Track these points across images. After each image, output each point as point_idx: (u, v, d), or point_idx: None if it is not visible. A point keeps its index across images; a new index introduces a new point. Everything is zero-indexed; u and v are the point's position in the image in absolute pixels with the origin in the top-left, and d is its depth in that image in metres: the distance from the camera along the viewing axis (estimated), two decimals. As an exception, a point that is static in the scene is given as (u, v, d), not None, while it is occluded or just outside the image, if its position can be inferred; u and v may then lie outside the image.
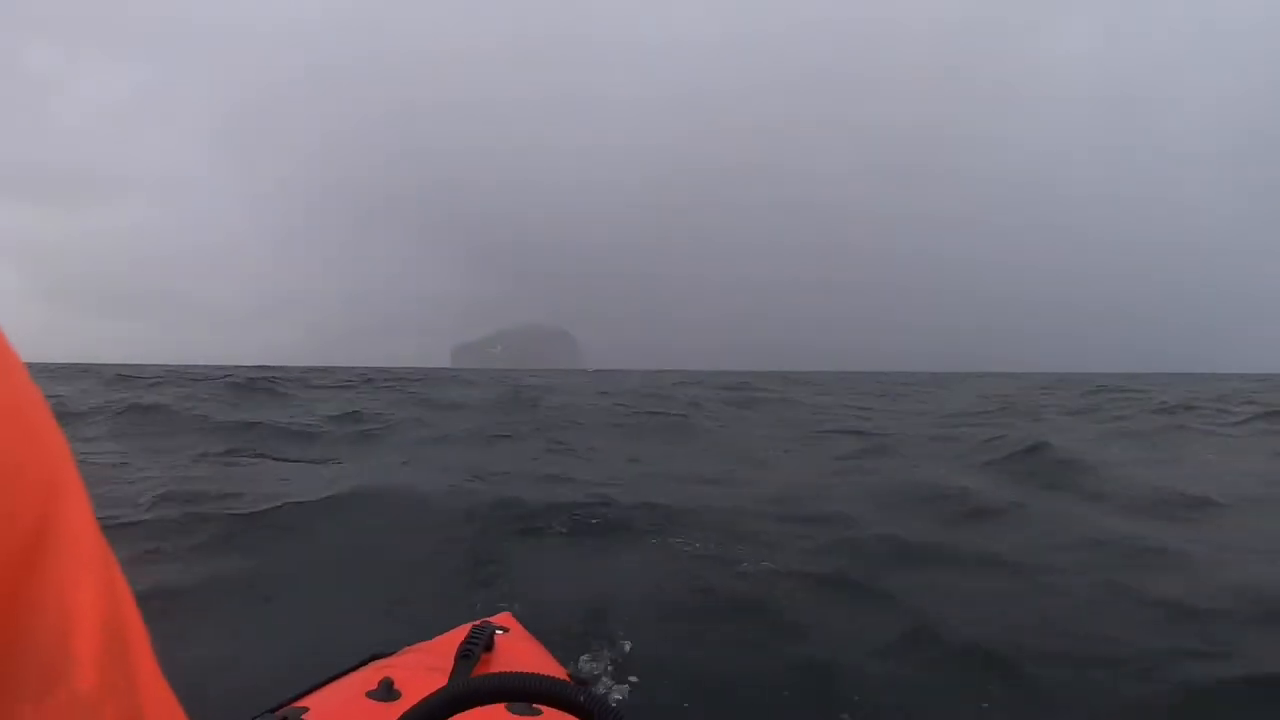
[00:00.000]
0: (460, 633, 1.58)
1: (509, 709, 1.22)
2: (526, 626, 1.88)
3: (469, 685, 0.88)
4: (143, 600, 0.42)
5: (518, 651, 1.59)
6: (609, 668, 2.89)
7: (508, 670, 0.99)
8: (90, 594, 0.39)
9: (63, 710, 0.39)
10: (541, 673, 0.90)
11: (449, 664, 1.37)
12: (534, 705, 1.20)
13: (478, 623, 1.59)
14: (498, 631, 1.56)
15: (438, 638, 1.67)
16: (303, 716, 1.24)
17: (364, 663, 1.54)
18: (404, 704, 1.22)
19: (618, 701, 2.66)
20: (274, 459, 8.28)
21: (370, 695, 1.29)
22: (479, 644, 1.42)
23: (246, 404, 16.25)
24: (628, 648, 3.04)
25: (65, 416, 11.34)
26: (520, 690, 0.87)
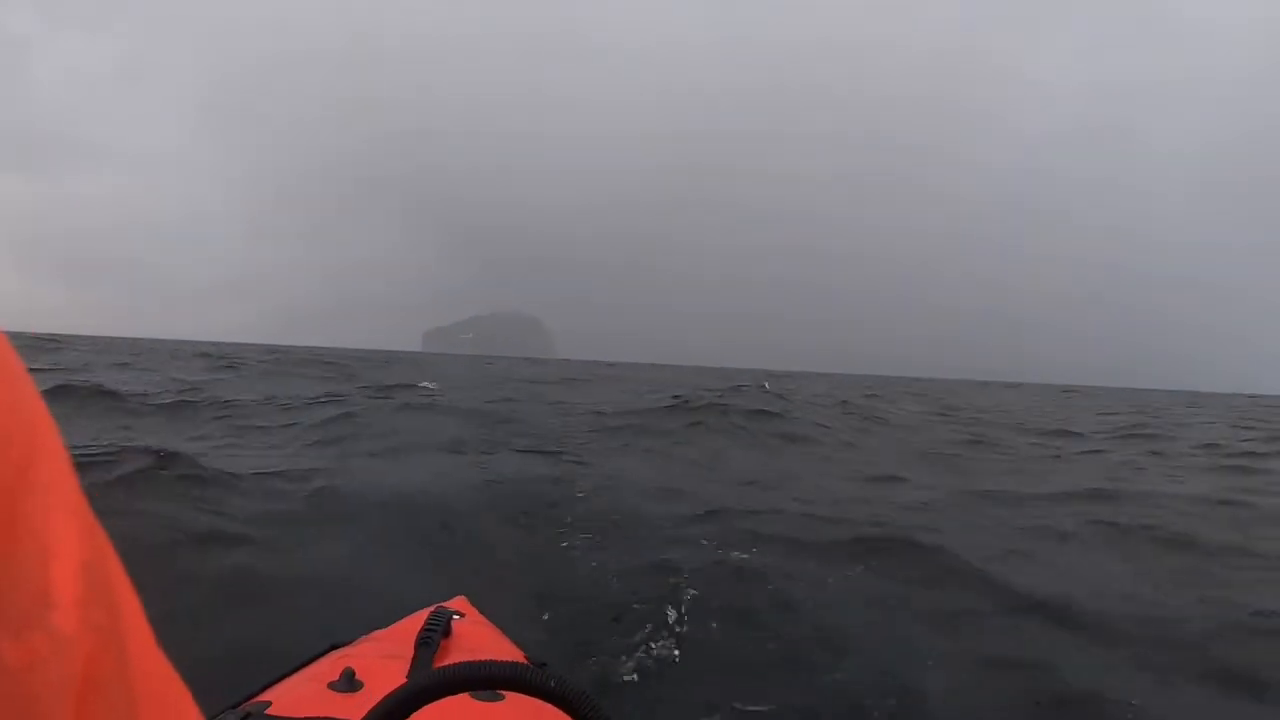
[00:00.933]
0: (418, 619, 1.58)
1: (472, 696, 1.23)
2: (481, 610, 1.87)
3: (445, 674, 0.89)
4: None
5: (476, 636, 1.58)
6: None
7: (469, 657, 1.02)
8: (70, 536, 0.40)
9: (44, 645, 0.40)
10: (502, 658, 0.93)
11: (409, 651, 1.36)
12: (497, 691, 1.21)
13: (434, 608, 1.59)
14: (454, 617, 1.55)
15: (395, 624, 1.66)
16: (266, 711, 1.22)
17: (323, 653, 1.54)
18: (366, 694, 1.22)
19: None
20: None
21: (332, 686, 1.28)
22: (438, 630, 1.41)
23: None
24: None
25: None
26: (494, 679, 0.88)
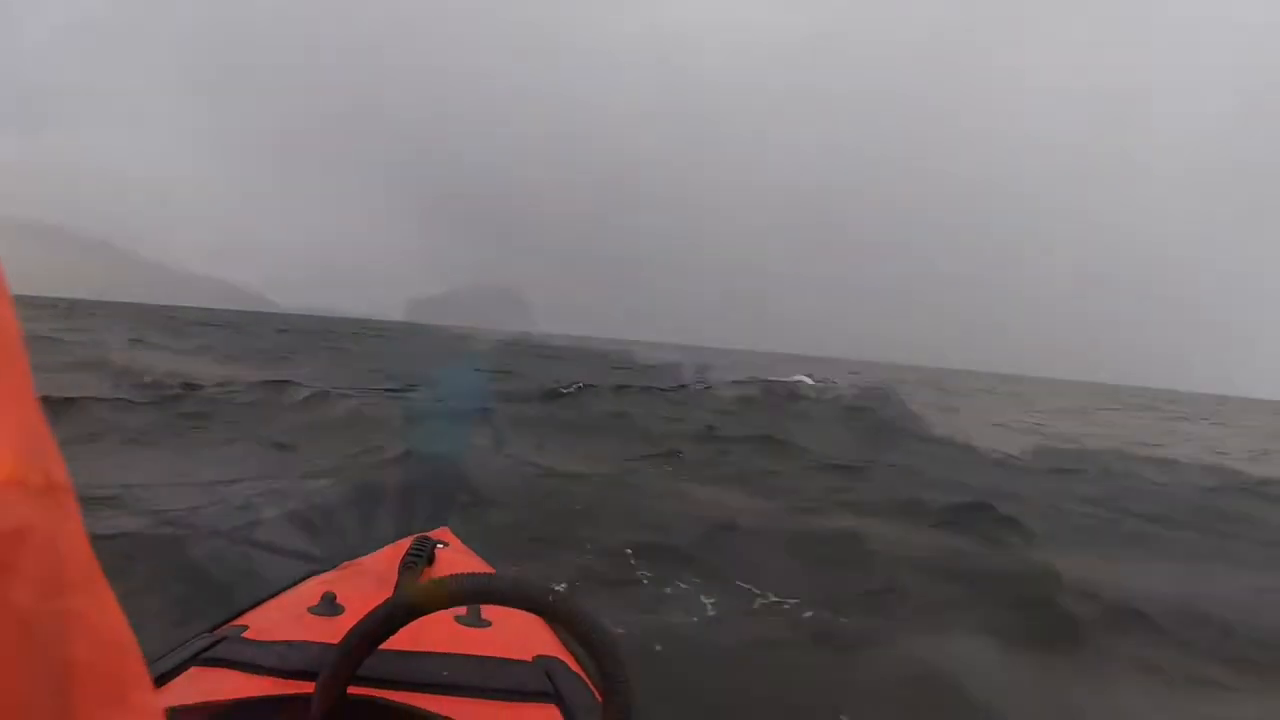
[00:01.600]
0: (400, 547, 1.55)
1: (458, 620, 1.21)
2: (464, 540, 1.84)
3: (472, 581, 0.87)
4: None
5: (459, 566, 1.52)
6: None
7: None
8: (9, 416, 0.37)
9: None
10: None
11: (391, 577, 1.32)
12: (483, 618, 1.21)
13: (417, 537, 1.57)
14: (438, 546, 1.53)
15: (377, 552, 1.64)
16: (243, 635, 1.19)
17: (302, 579, 1.51)
18: (347, 618, 1.18)
19: None
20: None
21: (312, 610, 1.24)
22: (422, 558, 1.39)
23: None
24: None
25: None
26: (500, 594, 0.87)
